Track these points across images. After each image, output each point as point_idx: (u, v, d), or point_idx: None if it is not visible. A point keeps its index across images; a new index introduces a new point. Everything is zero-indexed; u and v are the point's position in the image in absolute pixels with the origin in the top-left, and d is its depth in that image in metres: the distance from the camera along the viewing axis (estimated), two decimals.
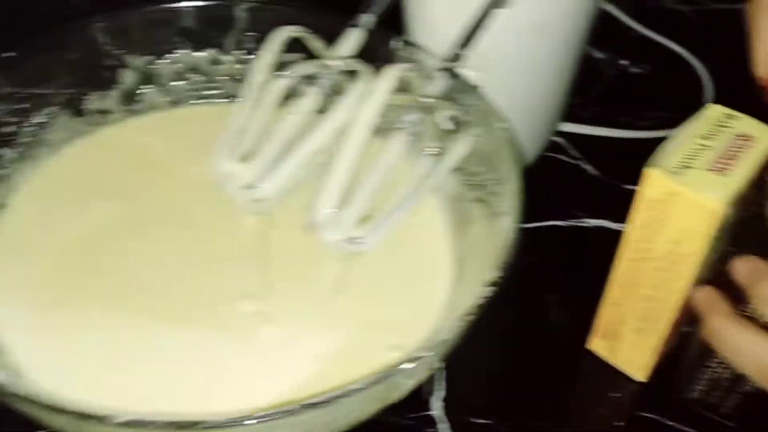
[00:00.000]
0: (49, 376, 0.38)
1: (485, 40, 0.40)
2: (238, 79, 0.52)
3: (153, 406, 0.36)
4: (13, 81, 0.45)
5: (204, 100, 0.53)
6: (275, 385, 0.38)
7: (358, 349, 0.39)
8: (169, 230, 0.45)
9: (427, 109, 0.34)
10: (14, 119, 0.46)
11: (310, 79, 0.37)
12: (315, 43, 0.36)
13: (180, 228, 0.45)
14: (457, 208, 0.44)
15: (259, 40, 0.49)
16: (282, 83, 0.35)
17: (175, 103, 0.52)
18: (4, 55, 0.45)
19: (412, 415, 0.41)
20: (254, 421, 0.28)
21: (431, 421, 0.41)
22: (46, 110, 0.47)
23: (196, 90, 0.52)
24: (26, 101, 0.46)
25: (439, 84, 0.36)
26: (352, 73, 0.37)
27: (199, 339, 0.40)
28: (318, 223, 0.34)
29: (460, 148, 0.37)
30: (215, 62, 0.52)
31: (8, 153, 0.45)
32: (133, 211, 0.46)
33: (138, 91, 0.50)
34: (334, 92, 0.37)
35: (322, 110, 0.38)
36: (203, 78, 0.52)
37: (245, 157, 0.33)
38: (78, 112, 0.49)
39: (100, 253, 0.43)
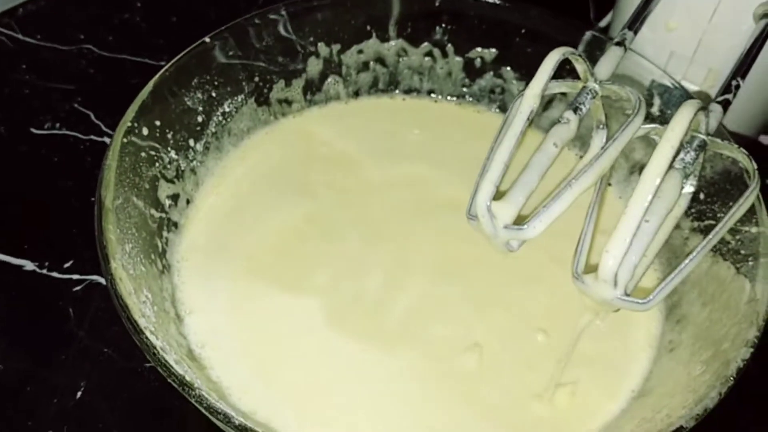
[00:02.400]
0: (249, 394, 0.36)
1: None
2: (420, 72, 0.50)
3: None
4: (207, 69, 0.43)
5: (383, 93, 0.50)
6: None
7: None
8: (357, 237, 0.42)
9: (701, 147, 0.31)
10: (205, 108, 0.43)
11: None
12: (582, 65, 0.32)
13: (367, 236, 0.42)
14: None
15: (454, 33, 0.48)
16: (532, 106, 0.31)
17: (356, 94, 0.50)
18: (199, 42, 0.43)
19: None
20: None
21: None
22: (235, 99, 0.45)
23: (376, 82, 0.50)
24: (218, 89, 0.44)
25: (715, 118, 0.32)
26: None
27: (407, 368, 0.37)
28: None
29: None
30: (401, 54, 0.49)
31: (197, 145, 0.43)
32: (318, 212, 0.43)
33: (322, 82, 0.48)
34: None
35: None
36: (386, 70, 0.50)
37: (502, 193, 0.31)
38: (263, 102, 0.47)
39: (290, 259, 0.41)
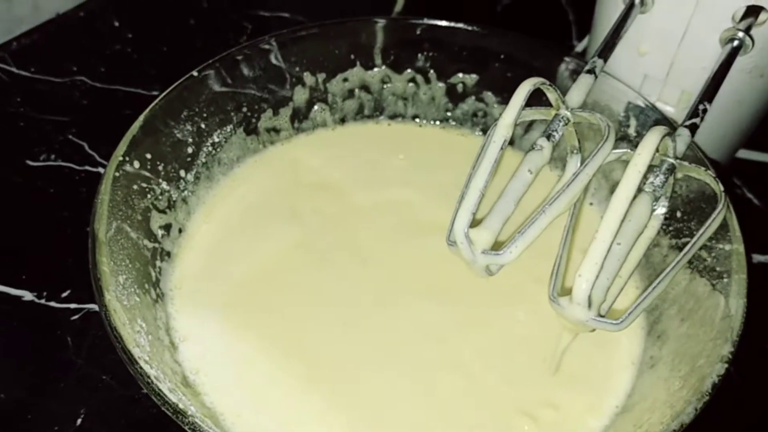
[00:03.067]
0: (243, 418, 0.37)
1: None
2: (404, 98, 0.52)
3: None
4: (196, 101, 0.44)
5: (368, 119, 0.52)
6: None
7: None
8: (345, 262, 0.43)
9: (670, 170, 0.32)
10: (195, 140, 0.45)
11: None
12: (553, 94, 0.33)
13: (356, 261, 0.43)
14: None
15: (436, 59, 0.49)
16: (504, 137, 0.32)
17: (342, 120, 0.51)
18: (187, 76, 0.44)
19: None
20: None
21: None
22: (224, 129, 0.46)
23: (362, 108, 0.51)
24: (208, 120, 0.45)
25: (683, 142, 0.33)
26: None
27: (395, 388, 0.38)
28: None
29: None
30: (385, 81, 0.50)
31: (187, 175, 0.45)
32: (307, 237, 0.45)
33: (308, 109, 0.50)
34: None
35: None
36: (371, 96, 0.51)
37: (479, 220, 0.32)
38: (251, 131, 0.48)
39: (281, 285, 0.42)
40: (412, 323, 0.41)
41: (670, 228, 0.42)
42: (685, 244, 0.40)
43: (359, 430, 0.37)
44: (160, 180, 0.43)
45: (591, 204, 0.47)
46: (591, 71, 0.37)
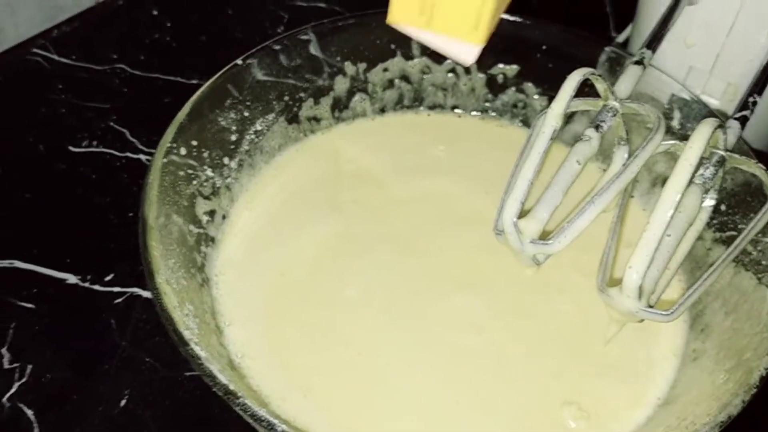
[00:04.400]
0: (288, 402, 0.38)
1: None
2: (444, 88, 0.52)
3: None
4: (240, 90, 0.44)
5: (408, 110, 0.52)
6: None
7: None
8: (386, 252, 0.44)
9: (720, 162, 0.32)
10: (238, 127, 0.45)
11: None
12: (602, 84, 0.33)
13: (396, 251, 0.44)
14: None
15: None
16: (554, 126, 0.32)
17: (382, 110, 0.51)
18: (231, 65, 0.44)
19: None
20: None
21: None
22: (267, 117, 0.47)
23: (401, 99, 0.52)
24: (251, 109, 0.46)
25: (733, 134, 0.33)
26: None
27: (437, 376, 0.39)
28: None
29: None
30: (425, 71, 0.51)
31: (231, 163, 0.45)
32: (347, 227, 0.45)
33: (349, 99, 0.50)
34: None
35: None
36: (411, 87, 0.51)
37: (525, 211, 0.32)
38: (293, 119, 0.48)
39: (322, 273, 0.43)
40: (453, 313, 0.41)
41: (715, 221, 0.42)
42: (729, 238, 0.40)
43: (401, 416, 0.38)
44: (205, 167, 0.43)
45: (632, 197, 0.47)
46: (639, 62, 0.37)
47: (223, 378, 0.32)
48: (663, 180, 0.46)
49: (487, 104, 0.51)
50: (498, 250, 0.42)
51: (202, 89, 0.43)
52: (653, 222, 0.29)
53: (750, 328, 0.36)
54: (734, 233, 0.41)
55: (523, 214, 0.33)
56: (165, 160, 0.40)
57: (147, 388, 0.43)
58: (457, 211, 0.46)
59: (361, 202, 0.46)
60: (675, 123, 0.44)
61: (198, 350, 0.33)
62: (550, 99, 0.35)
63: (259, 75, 0.45)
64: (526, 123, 0.51)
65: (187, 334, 0.33)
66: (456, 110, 0.52)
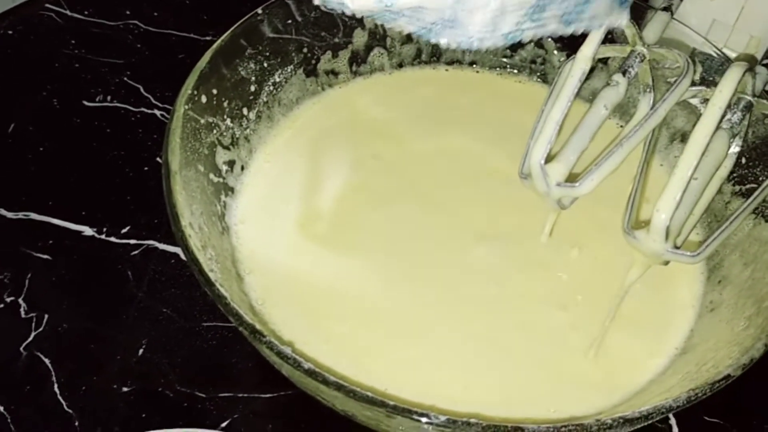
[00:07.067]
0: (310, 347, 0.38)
1: None
2: None
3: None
4: (259, 40, 0.44)
5: (426, 65, 0.52)
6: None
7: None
8: (405, 206, 0.44)
9: (748, 108, 0.32)
10: (257, 78, 0.45)
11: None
12: (631, 29, 0.33)
13: (416, 205, 0.44)
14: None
15: None
16: (583, 70, 0.32)
17: (399, 65, 0.51)
18: (252, 14, 0.44)
19: None
20: None
21: None
22: (285, 70, 0.46)
23: (420, 54, 0.51)
24: (269, 60, 0.45)
25: (761, 80, 0.33)
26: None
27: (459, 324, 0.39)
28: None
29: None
30: None
31: (249, 114, 0.45)
32: (366, 180, 0.45)
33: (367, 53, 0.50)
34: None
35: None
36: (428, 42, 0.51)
37: (554, 152, 0.32)
38: (311, 72, 0.48)
39: (342, 224, 0.43)
40: (473, 265, 0.42)
41: (734, 174, 0.41)
42: (749, 191, 0.40)
43: (420, 363, 0.38)
44: (225, 116, 0.43)
45: (653, 149, 0.47)
46: (667, 8, 0.36)
47: (248, 318, 0.32)
48: (682, 135, 0.46)
49: (506, 60, 0.51)
50: (517, 203, 0.42)
51: (222, 38, 0.43)
52: (681, 164, 0.29)
53: None
54: (754, 186, 0.40)
55: (548, 160, 0.33)
56: (186, 107, 0.39)
57: (164, 337, 0.43)
58: (475, 166, 0.46)
59: (380, 157, 0.46)
60: (696, 77, 0.44)
61: (223, 291, 0.33)
62: (569, 55, 0.35)
63: (278, 27, 0.45)
64: (545, 79, 0.51)
65: (212, 276, 0.33)
66: (474, 66, 0.52)
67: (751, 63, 0.32)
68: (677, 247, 0.30)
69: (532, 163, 0.31)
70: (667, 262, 0.32)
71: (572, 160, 0.31)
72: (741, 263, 0.39)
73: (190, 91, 0.40)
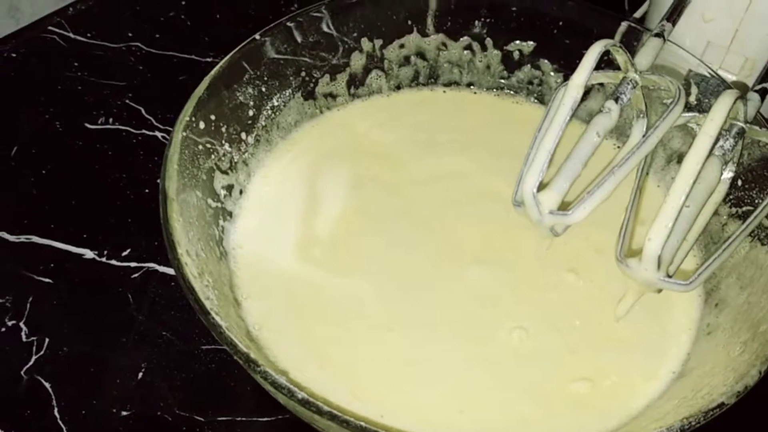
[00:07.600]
0: (305, 373, 0.38)
1: None
2: (459, 65, 0.52)
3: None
4: (257, 65, 0.45)
5: (423, 87, 0.52)
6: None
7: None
8: (402, 228, 0.44)
9: (740, 134, 0.32)
10: (255, 103, 0.45)
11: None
12: (622, 56, 0.33)
13: (413, 227, 0.44)
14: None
15: (492, 26, 0.49)
16: (574, 98, 0.33)
17: (397, 87, 0.51)
18: (249, 40, 0.44)
19: None
20: None
21: None
22: (284, 93, 0.47)
23: (417, 75, 0.51)
24: (268, 84, 0.46)
25: (753, 106, 0.33)
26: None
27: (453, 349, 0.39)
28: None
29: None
30: (441, 48, 0.50)
31: (248, 138, 0.45)
32: (364, 203, 0.45)
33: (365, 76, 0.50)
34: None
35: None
36: (426, 64, 0.51)
37: (544, 183, 0.32)
38: (309, 95, 0.48)
39: (339, 248, 0.43)
40: (468, 288, 0.42)
41: (731, 196, 0.42)
42: (746, 213, 0.40)
43: (416, 387, 0.38)
44: (223, 141, 0.43)
45: (647, 174, 0.47)
46: (659, 35, 0.36)
47: (243, 347, 0.33)
48: (678, 156, 0.46)
49: (503, 81, 0.51)
50: (514, 226, 0.42)
51: (220, 64, 0.43)
52: (673, 193, 0.29)
53: (766, 301, 0.36)
54: (750, 208, 0.40)
55: (541, 187, 0.33)
56: (184, 134, 0.40)
57: (164, 361, 0.43)
58: (473, 188, 0.46)
59: (377, 179, 0.47)
60: (692, 98, 0.44)
61: (219, 320, 0.33)
62: (566, 76, 0.35)
63: (276, 51, 0.45)
64: (542, 100, 0.51)
65: (208, 304, 0.33)
66: (471, 87, 0.52)
67: (743, 90, 0.32)
68: (670, 276, 0.30)
69: (524, 192, 0.31)
70: (660, 290, 0.32)
71: (565, 188, 0.32)
72: (737, 286, 0.39)
73: (188, 118, 0.40)
